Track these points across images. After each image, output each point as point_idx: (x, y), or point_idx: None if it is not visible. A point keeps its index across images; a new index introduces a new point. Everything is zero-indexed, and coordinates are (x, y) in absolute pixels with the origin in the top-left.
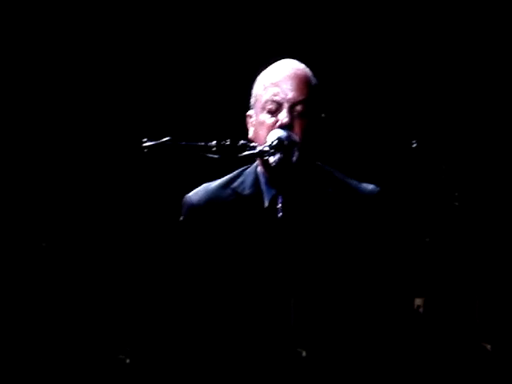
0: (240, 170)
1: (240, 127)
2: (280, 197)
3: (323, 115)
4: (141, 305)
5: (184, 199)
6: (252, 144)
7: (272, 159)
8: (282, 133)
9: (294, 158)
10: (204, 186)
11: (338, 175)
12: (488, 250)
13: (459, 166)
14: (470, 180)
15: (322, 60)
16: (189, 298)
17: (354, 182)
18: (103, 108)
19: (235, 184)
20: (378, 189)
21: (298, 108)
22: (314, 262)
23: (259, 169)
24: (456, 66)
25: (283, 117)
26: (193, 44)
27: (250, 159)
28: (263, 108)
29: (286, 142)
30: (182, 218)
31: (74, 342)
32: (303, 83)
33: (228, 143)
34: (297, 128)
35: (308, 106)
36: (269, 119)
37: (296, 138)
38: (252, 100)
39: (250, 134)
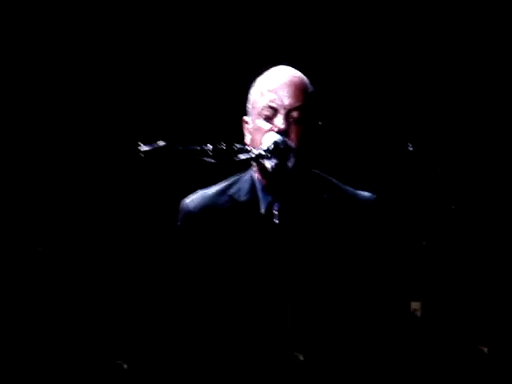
0: (236, 176)
1: (236, 131)
2: (276, 203)
3: (320, 123)
4: (138, 310)
5: (180, 205)
6: (248, 148)
7: (268, 165)
8: (277, 137)
9: (290, 164)
10: (200, 192)
11: (334, 182)
12: (485, 254)
13: (455, 170)
14: (466, 183)
15: (318, 66)
16: (186, 303)
17: (350, 189)
18: (99, 112)
19: (232, 190)
20: (375, 196)
21: (294, 114)
22: (311, 268)
23: (255, 175)
24: (451, 69)
25: (279, 123)
26: (190, 49)
27: (246, 163)
28: (259, 114)
29: (281, 146)
30: (178, 224)
31: (72, 348)
32: (300, 90)
33: (224, 147)
34: (293, 134)
35: (304, 112)
36: (265, 125)
37: (292, 144)
38: (248, 106)
39: (246, 140)
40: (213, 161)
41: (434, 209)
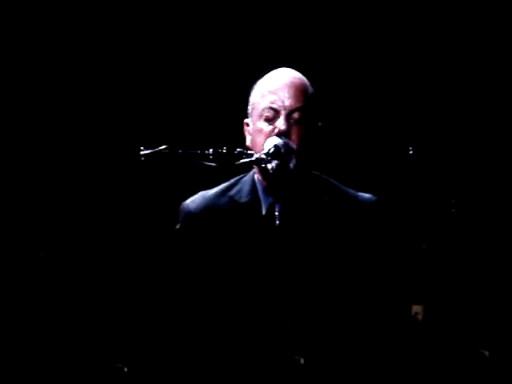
0: (237, 177)
1: (237, 135)
2: (277, 205)
3: (320, 124)
4: (138, 313)
5: (181, 207)
6: (249, 152)
7: (269, 166)
8: (278, 140)
9: (291, 165)
10: (201, 193)
11: (334, 184)
12: (485, 257)
13: (456, 173)
14: (466, 186)
15: (319, 68)
16: (187, 305)
17: (351, 191)
18: (101, 116)
19: (232, 192)
20: (375, 198)
21: (295, 116)
22: (312, 269)
23: (256, 176)
24: (452, 74)
25: (280, 124)
26: (190, 52)
27: (247, 167)
28: (260, 116)
29: (282, 150)
30: (178, 226)
31: (73, 351)
32: (300, 91)
33: (225, 151)
34: (294, 135)
35: (305, 113)
36: (266, 127)
37: (293, 145)
38: (249, 108)
39: (248, 142)
40: (214, 164)
41: (435, 212)
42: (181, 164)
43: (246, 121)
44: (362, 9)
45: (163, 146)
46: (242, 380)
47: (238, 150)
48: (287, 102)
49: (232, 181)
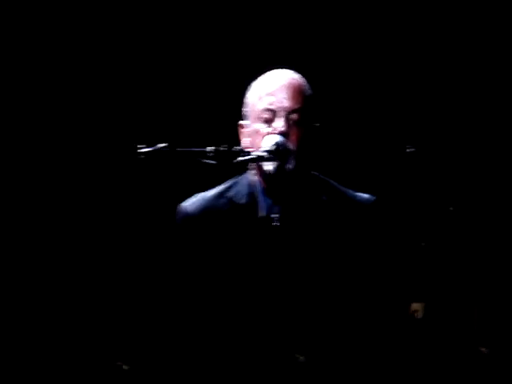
0: (234, 179)
1: (236, 133)
2: (276, 206)
3: (317, 124)
4: (137, 312)
5: (179, 208)
6: (248, 150)
7: (268, 167)
8: (278, 138)
9: (290, 166)
10: (199, 195)
11: (333, 184)
12: (484, 255)
13: (454, 171)
14: (465, 185)
15: (315, 68)
16: (185, 305)
17: (350, 192)
18: (99, 114)
19: (231, 193)
20: (374, 198)
21: (294, 117)
22: (311, 270)
23: (255, 178)
24: (450, 72)
25: (279, 125)
26: (188, 52)
27: (247, 165)
28: (258, 117)
29: (281, 148)
30: (176, 230)
31: (73, 349)
32: (298, 92)
33: (224, 149)
34: (293, 136)
35: (303, 114)
36: (264, 128)
37: (292, 146)
38: (245, 109)
39: (243, 144)
40: (213, 162)
41: (433, 210)
42: (180, 162)
43: (240, 123)
44: (357, 6)
45: (162, 144)
46: (242, 378)
47: (237, 148)
48: (286, 103)
49: (230, 182)
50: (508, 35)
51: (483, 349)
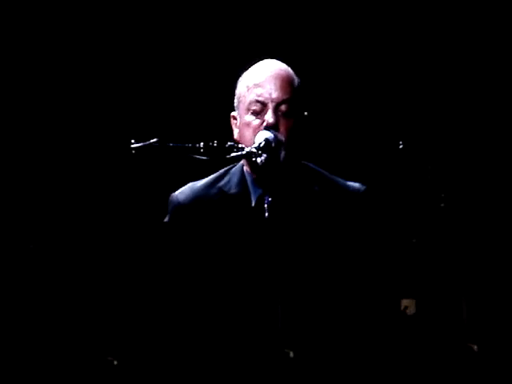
0: (226, 168)
1: (227, 128)
2: (267, 196)
3: (306, 113)
4: (128, 306)
5: (170, 198)
6: (239, 145)
7: (259, 160)
8: (269, 134)
9: (281, 158)
10: (190, 184)
11: (324, 174)
12: (474, 251)
13: (445, 167)
14: (456, 181)
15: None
16: (175, 298)
17: (341, 181)
18: (91, 110)
19: (221, 183)
20: (365, 187)
21: (283, 108)
22: (301, 261)
23: (245, 168)
24: (441, 68)
25: (268, 117)
26: (179, 46)
27: (237, 160)
28: (248, 109)
29: (273, 144)
30: (167, 219)
31: (63, 344)
32: (287, 83)
33: (215, 144)
34: (282, 127)
35: (292, 105)
36: (254, 120)
37: (282, 137)
38: (235, 101)
39: (235, 135)
40: (204, 158)
41: (424, 206)
42: (171, 157)
43: (232, 114)
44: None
45: (154, 140)
46: (232, 374)
47: (229, 143)
48: (274, 95)
49: (221, 172)
50: (499, 32)
51: (474, 346)
